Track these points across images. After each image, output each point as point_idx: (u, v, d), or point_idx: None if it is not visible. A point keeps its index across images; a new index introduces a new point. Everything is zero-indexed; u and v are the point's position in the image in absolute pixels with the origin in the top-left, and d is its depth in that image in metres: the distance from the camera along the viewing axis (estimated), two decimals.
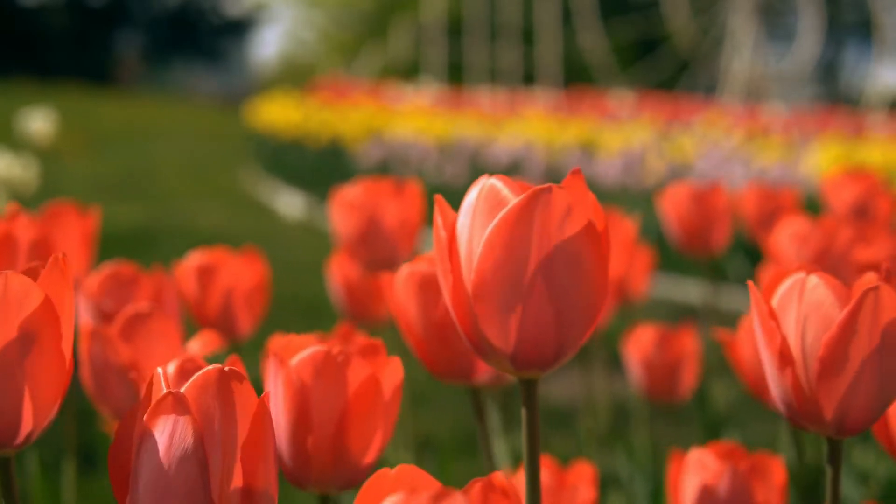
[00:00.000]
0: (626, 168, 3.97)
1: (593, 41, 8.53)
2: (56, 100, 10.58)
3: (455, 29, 9.88)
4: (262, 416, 0.47)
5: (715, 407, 1.44)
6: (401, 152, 4.99)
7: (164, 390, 0.47)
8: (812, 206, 2.70)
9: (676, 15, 8.18)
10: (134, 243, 4.01)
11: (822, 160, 3.48)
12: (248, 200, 5.75)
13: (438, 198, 0.53)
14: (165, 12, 18.65)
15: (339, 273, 1.25)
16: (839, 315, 0.52)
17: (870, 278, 0.54)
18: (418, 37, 10.05)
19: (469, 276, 0.51)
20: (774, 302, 0.54)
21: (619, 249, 1.24)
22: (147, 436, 0.47)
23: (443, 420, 2.03)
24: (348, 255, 1.17)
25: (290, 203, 5.48)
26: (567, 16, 8.95)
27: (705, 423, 1.40)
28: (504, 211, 0.49)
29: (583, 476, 0.83)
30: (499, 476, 0.42)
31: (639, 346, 1.22)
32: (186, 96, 16.35)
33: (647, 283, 1.42)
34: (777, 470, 0.71)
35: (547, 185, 0.49)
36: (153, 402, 0.47)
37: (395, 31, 10.57)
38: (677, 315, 3.01)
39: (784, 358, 0.53)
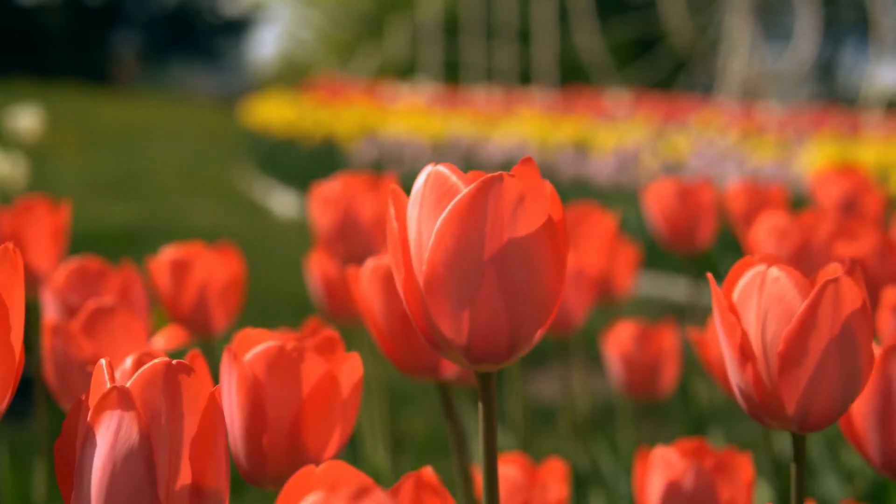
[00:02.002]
0: (619, 167, 3.96)
1: (590, 40, 8.52)
2: (53, 99, 10.57)
3: (452, 28, 9.87)
4: (213, 412, 0.45)
5: (698, 405, 1.43)
6: (394, 151, 4.98)
7: (108, 385, 0.45)
8: (804, 204, 2.69)
9: (673, 14, 8.16)
10: (127, 241, 4.00)
11: (816, 159, 3.46)
12: (242, 199, 5.74)
13: (392, 187, 0.52)
14: (163, 12, 18.63)
15: (318, 269, 1.24)
16: (800, 308, 0.50)
17: (832, 269, 0.52)
18: (415, 36, 10.04)
19: (420, 267, 0.50)
20: (735, 295, 0.53)
21: (599, 246, 1.23)
22: (91, 432, 0.45)
23: (431, 419, 2.02)
24: (326, 250, 1.16)
25: (283, 202, 5.47)
26: (564, 15, 8.94)
27: (689, 421, 1.39)
28: (455, 200, 0.48)
29: (554, 473, 0.81)
30: (429, 472, 0.41)
31: (618, 342, 1.21)
32: (184, 96, 16.33)
33: (631, 280, 1.40)
34: (744, 468, 0.70)
35: (498, 173, 0.48)
36: (97, 396, 0.45)
37: (391, 30, 10.56)
38: (669, 313, 3.00)
39: (745, 353, 0.52)
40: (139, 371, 0.45)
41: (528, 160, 0.50)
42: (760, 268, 0.52)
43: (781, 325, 0.51)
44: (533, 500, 0.81)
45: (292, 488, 0.39)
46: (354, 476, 0.39)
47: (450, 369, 0.73)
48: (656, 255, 3.37)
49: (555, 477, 0.82)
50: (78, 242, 3.51)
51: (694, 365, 1.56)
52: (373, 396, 1.30)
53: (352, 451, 1.28)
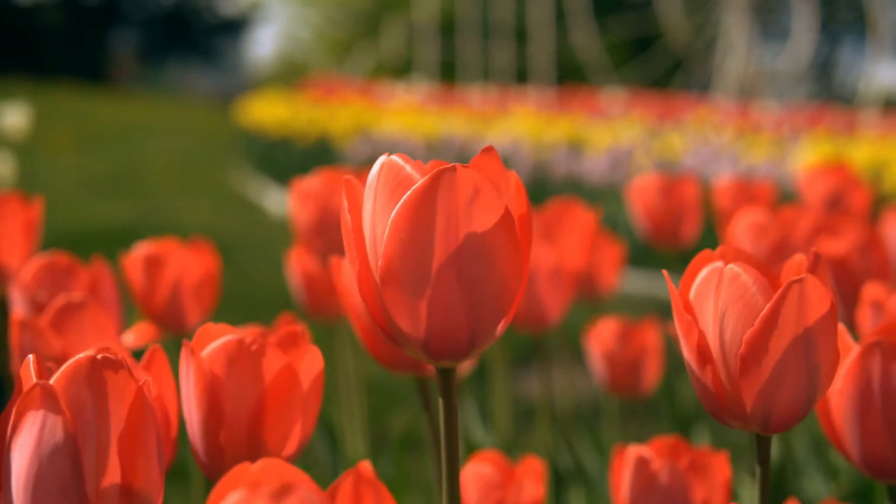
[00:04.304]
0: (613, 165, 3.94)
1: (586, 39, 8.51)
2: (50, 98, 10.55)
3: (448, 27, 9.86)
4: (141, 407, 0.44)
5: (685, 403, 1.41)
6: (388, 149, 4.97)
7: (34, 381, 0.44)
8: (797, 201, 2.67)
9: (670, 13, 8.15)
10: (120, 240, 3.98)
11: (809, 157, 3.45)
12: (236, 198, 5.73)
13: (347, 179, 0.51)
14: (160, 11, 18.62)
15: (297, 266, 1.23)
16: (760, 308, 0.48)
17: (796, 263, 0.50)
18: (411, 35, 10.02)
19: (375, 261, 0.48)
20: (692, 293, 0.51)
21: (580, 242, 1.22)
22: (16, 430, 0.44)
23: (420, 416, 2.01)
24: (305, 245, 1.14)
25: (277, 201, 5.46)
26: (561, 14, 8.93)
27: (674, 420, 1.38)
28: (408, 193, 0.47)
29: (531, 472, 0.80)
30: (366, 466, 0.39)
31: (600, 339, 1.19)
32: (181, 95, 16.31)
33: (616, 277, 1.39)
34: (720, 467, 0.68)
35: (452, 164, 0.47)
36: (22, 393, 0.44)
37: (388, 29, 10.55)
38: (662, 312, 2.99)
39: (702, 354, 0.50)
40: (63, 367, 0.44)
41: (488, 150, 0.49)
42: (717, 265, 0.50)
43: (740, 325, 0.49)
44: (508, 499, 0.80)
45: (224, 485, 0.37)
46: (288, 473, 0.38)
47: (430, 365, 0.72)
48: (649, 253, 3.36)
49: (531, 476, 0.81)
50: (72, 241, 3.49)
51: (681, 363, 1.55)
52: (354, 393, 1.28)
53: (332, 447, 1.27)
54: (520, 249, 0.48)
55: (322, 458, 1.29)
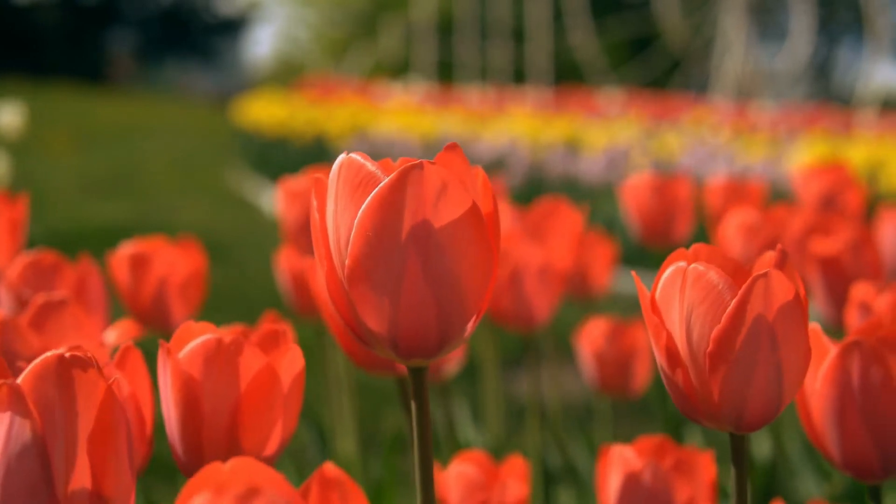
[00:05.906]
0: (609, 165, 3.94)
1: (584, 39, 8.51)
2: (48, 98, 10.55)
3: (446, 27, 9.85)
4: (110, 406, 0.43)
5: None
6: (385, 149, 4.97)
7: None
8: (791, 201, 2.66)
9: (668, 13, 8.15)
10: (118, 240, 3.97)
11: (805, 157, 3.45)
12: (233, 198, 5.72)
13: (316, 177, 0.50)
14: (158, 11, 18.61)
15: (286, 265, 1.22)
16: (727, 306, 0.48)
17: (765, 261, 0.50)
18: (409, 35, 10.02)
19: (340, 260, 0.48)
20: (658, 293, 0.50)
21: (568, 241, 1.21)
22: None
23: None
24: (292, 245, 1.14)
25: (274, 200, 5.45)
26: (558, 14, 8.92)
27: (667, 420, 1.37)
28: (376, 189, 0.46)
29: (515, 472, 0.80)
30: (330, 467, 0.39)
31: (590, 339, 1.19)
32: (180, 95, 16.31)
33: (608, 277, 1.38)
34: (706, 467, 0.68)
35: (419, 161, 0.46)
36: None
37: (385, 29, 10.54)
38: None
39: (671, 354, 0.49)
40: (31, 365, 0.43)
41: (453, 146, 0.48)
42: (680, 264, 0.49)
43: (707, 324, 0.48)
44: (492, 499, 0.79)
45: (193, 486, 0.36)
46: (257, 474, 0.37)
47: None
48: (645, 253, 3.35)
49: (516, 476, 0.80)
50: (70, 241, 3.48)
51: None
52: (345, 393, 1.28)
53: (323, 448, 1.26)
54: (489, 244, 0.48)
55: (313, 459, 1.29)
